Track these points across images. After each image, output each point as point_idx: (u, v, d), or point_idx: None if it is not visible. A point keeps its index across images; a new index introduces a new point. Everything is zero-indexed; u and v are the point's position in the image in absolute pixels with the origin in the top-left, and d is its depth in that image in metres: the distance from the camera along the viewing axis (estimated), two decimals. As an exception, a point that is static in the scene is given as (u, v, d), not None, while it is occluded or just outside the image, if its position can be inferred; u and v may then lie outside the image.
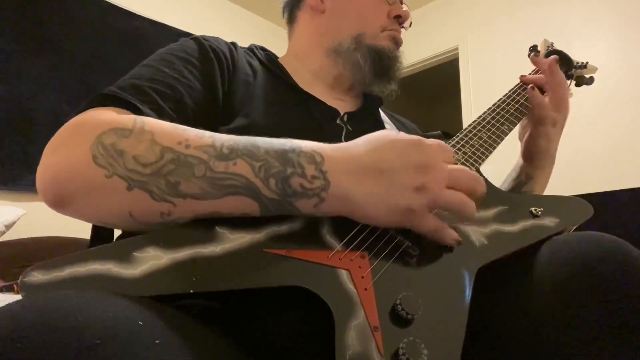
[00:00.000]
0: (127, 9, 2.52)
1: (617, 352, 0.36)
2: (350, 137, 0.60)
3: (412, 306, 0.35)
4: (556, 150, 0.68)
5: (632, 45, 2.26)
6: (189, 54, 0.56)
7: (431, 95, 4.77)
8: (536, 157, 0.67)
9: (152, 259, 0.33)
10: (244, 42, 0.72)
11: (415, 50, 3.15)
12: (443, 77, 3.94)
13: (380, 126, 0.70)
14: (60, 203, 0.39)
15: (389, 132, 0.43)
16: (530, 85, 0.65)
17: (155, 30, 2.61)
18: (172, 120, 0.46)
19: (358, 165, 0.39)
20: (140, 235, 0.35)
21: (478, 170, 0.54)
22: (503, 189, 0.72)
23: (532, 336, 0.40)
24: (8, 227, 1.72)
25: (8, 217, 1.73)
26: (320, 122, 0.60)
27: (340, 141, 0.58)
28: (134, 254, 0.33)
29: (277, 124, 0.56)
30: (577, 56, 0.78)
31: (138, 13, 2.57)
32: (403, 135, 0.42)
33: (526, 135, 0.67)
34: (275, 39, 3.13)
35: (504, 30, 2.75)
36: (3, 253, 1.61)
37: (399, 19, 0.70)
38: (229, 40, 0.67)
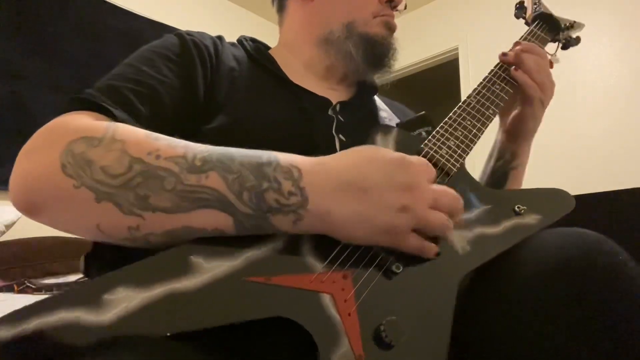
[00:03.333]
0: (127, 9, 2.52)
1: (596, 351, 0.35)
2: (341, 128, 0.59)
3: (397, 331, 0.35)
4: (537, 128, 0.68)
5: (632, 45, 2.26)
6: (170, 50, 0.54)
7: (431, 95, 4.76)
8: (523, 136, 0.67)
9: (123, 301, 0.31)
10: (243, 42, 0.71)
11: (415, 50, 3.15)
12: (443, 77, 3.94)
13: (374, 117, 0.68)
14: (29, 211, 0.39)
15: (372, 148, 0.42)
16: (513, 67, 0.62)
17: (155, 30, 2.61)
18: (149, 122, 0.46)
19: (339, 182, 0.38)
20: (111, 273, 0.34)
21: (463, 166, 0.52)
22: (487, 170, 0.71)
23: (516, 339, 0.39)
24: (8, 227, 1.72)
25: (8, 217, 1.73)
26: (310, 114, 0.58)
27: (331, 132, 0.58)
28: (104, 296, 0.31)
29: (263, 118, 0.55)
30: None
31: (138, 13, 2.57)
32: (387, 152, 0.41)
33: (513, 114, 0.66)
34: (276, 39, 3.12)
35: (504, 30, 2.75)
36: (3, 253, 1.61)
37: (391, 3, 0.67)
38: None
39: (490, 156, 0.71)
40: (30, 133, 0.44)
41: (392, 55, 0.66)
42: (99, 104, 0.44)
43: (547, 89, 0.62)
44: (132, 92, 0.47)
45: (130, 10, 2.54)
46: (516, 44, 0.66)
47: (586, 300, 0.36)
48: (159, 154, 0.37)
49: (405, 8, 0.70)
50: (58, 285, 1.52)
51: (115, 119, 0.44)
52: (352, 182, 0.38)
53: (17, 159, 0.40)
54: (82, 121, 0.41)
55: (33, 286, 1.49)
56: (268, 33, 3.51)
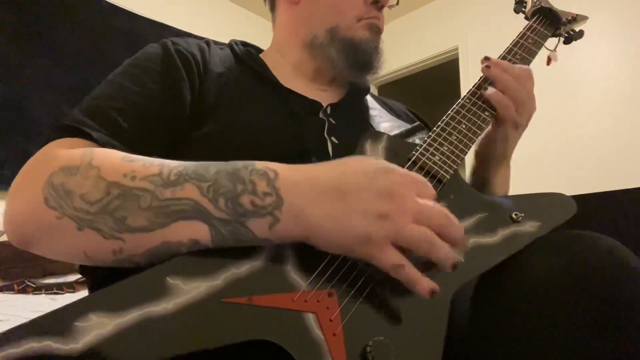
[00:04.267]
0: (127, 9, 2.53)
1: (603, 353, 0.35)
2: (333, 131, 0.58)
3: (384, 352, 0.34)
4: (512, 152, 0.61)
5: (632, 45, 2.26)
6: (153, 62, 0.54)
7: (431, 95, 4.77)
8: (491, 160, 0.61)
9: (95, 328, 0.30)
10: (243, 42, 0.71)
11: (415, 50, 3.15)
12: (443, 77, 3.94)
13: (365, 118, 0.66)
14: (24, 245, 0.40)
15: (359, 157, 0.40)
16: (487, 83, 0.56)
17: (155, 30, 2.61)
18: (135, 138, 0.47)
19: (316, 185, 0.37)
20: (84, 298, 0.33)
21: (456, 172, 0.50)
22: None
23: (527, 346, 0.38)
24: (8, 227, 1.72)
25: (8, 217, 1.73)
26: (300, 118, 0.57)
27: (322, 135, 0.57)
28: (75, 323, 0.30)
29: (253, 122, 0.54)
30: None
31: (138, 13, 2.57)
32: (374, 160, 0.40)
33: (482, 135, 0.60)
34: (275, 39, 3.12)
35: (504, 30, 2.73)
36: (3, 253, 1.61)
37: (377, 4, 0.63)
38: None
39: (467, 179, 0.66)
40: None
41: (377, 58, 0.64)
42: (80, 129, 0.45)
43: (525, 111, 0.56)
44: (115, 110, 0.48)
45: (130, 10, 2.54)
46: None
47: (599, 307, 0.36)
48: (135, 174, 0.38)
49: (397, 3, 0.67)
50: (58, 285, 1.52)
51: (96, 142, 0.44)
52: (330, 184, 0.37)
53: (7, 196, 0.41)
54: (61, 151, 0.42)
55: (33, 285, 1.49)
56: (268, 33, 3.50)
